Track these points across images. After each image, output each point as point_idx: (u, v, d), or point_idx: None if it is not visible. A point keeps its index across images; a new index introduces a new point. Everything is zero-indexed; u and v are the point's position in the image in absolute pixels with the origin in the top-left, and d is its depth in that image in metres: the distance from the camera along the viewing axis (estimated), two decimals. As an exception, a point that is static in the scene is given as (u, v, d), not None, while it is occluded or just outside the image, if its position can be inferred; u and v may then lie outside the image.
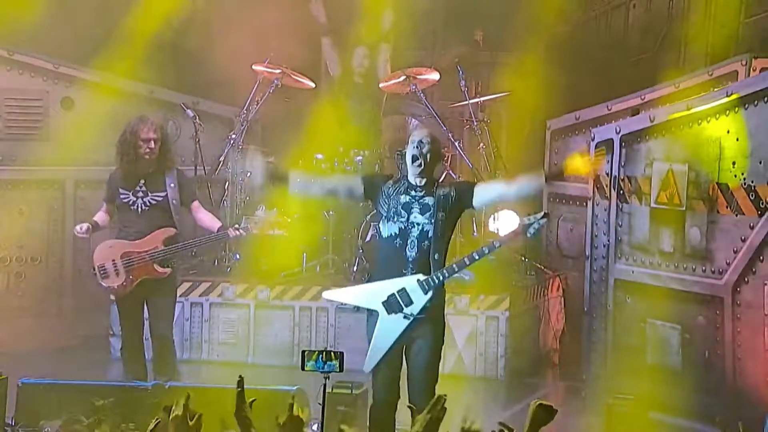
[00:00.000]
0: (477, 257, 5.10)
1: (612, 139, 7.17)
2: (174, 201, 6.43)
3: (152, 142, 6.39)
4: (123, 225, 6.51)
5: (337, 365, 4.03)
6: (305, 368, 4.02)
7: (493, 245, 5.15)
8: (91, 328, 8.45)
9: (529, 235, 5.12)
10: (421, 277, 5.11)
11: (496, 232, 8.21)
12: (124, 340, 6.58)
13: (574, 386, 7.46)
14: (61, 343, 8.35)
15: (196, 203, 6.57)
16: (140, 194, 6.43)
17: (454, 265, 5.11)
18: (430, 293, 5.10)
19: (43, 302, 8.62)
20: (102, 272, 6.42)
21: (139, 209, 6.42)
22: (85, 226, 6.50)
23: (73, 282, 8.72)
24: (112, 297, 6.75)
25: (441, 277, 5.08)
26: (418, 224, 5.16)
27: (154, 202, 6.41)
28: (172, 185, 6.42)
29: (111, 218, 6.59)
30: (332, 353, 3.98)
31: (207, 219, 6.56)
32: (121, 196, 6.46)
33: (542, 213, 5.14)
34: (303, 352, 3.96)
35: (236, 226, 6.49)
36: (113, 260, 6.38)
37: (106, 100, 8.70)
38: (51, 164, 8.66)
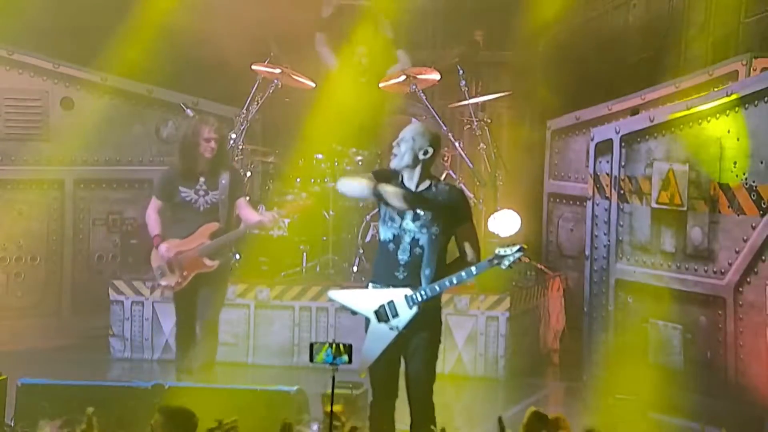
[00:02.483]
0: (456, 281, 5.21)
1: (612, 139, 7.15)
2: (223, 197, 6.66)
3: (213, 141, 6.65)
4: (176, 221, 6.68)
5: (347, 358, 3.96)
6: (314, 361, 3.94)
7: (471, 272, 5.21)
8: (91, 328, 8.41)
9: (503, 267, 5.19)
10: (409, 292, 5.20)
11: (495, 233, 8.18)
12: (178, 330, 6.86)
13: (574, 387, 7.44)
14: (61, 343, 8.31)
15: (242, 200, 6.82)
16: (201, 193, 6.65)
17: (436, 286, 5.19)
18: (415, 308, 5.18)
19: (42, 302, 8.58)
20: (159, 273, 6.67)
21: (201, 207, 6.65)
22: (164, 245, 6.65)
23: (73, 282, 8.69)
24: (167, 294, 6.98)
25: (425, 295, 5.17)
26: (409, 231, 5.23)
27: (214, 200, 6.65)
28: (224, 181, 6.65)
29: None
30: (342, 346, 3.92)
31: (249, 214, 6.80)
32: (182, 194, 6.65)
33: (518, 246, 5.19)
34: (311, 344, 3.89)
35: (274, 211, 6.77)
36: (168, 260, 6.60)
37: (105, 100, 8.68)
38: (51, 164, 8.63)
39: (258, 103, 8.58)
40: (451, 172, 8.45)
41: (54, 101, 8.61)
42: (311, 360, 3.95)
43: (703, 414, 6.31)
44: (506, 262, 5.18)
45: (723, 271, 6.42)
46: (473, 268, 5.21)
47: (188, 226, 6.63)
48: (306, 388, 6.08)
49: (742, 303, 6.31)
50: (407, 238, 5.22)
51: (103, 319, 8.20)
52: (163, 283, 6.69)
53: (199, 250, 6.60)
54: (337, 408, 4.51)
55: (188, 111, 8.35)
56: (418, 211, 5.23)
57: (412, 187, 5.28)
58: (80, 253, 8.72)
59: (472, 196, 8.24)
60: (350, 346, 3.86)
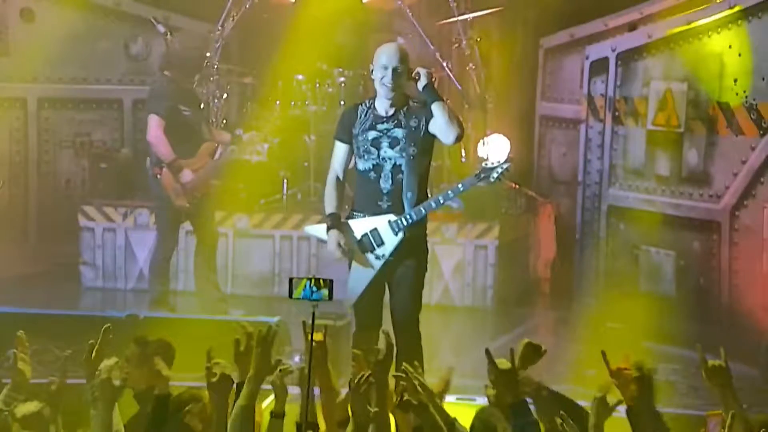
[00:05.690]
0: (442, 200, 5.30)
1: (607, 57, 7.16)
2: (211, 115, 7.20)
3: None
4: (179, 141, 6.86)
5: (327, 293, 4.07)
6: (293, 296, 4.06)
7: (458, 188, 5.27)
8: (60, 255, 8.43)
9: (491, 180, 5.27)
10: (392, 217, 5.28)
11: (485, 157, 8.22)
12: (168, 256, 7.16)
13: (564, 316, 7.60)
14: (28, 271, 8.30)
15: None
16: (197, 110, 6.95)
17: (422, 208, 5.28)
18: (400, 234, 5.26)
19: (7, 228, 8.51)
20: (175, 195, 6.90)
21: (199, 126, 6.95)
22: (187, 171, 6.87)
23: (39, 207, 8.70)
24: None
25: (410, 219, 5.24)
26: (390, 159, 5.29)
27: (205, 118, 7.08)
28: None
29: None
30: (321, 281, 4.02)
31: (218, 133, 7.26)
32: (184, 113, 6.87)
33: (505, 158, 5.21)
34: (291, 279, 4.00)
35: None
36: (187, 184, 6.87)
37: (69, 12, 8.54)
38: (11, 81, 8.55)
39: (234, 19, 8.50)
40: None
41: (13, 12, 8.48)
42: (290, 296, 4.08)
43: (696, 342, 6.46)
44: (494, 175, 5.27)
45: (719, 194, 6.53)
46: (459, 185, 5.30)
47: (190, 146, 6.84)
48: (287, 319, 6.19)
49: (737, 227, 6.44)
50: (388, 166, 5.27)
51: (72, 246, 8.23)
52: (179, 203, 6.89)
53: (209, 172, 6.82)
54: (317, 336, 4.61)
55: (159, 26, 8.26)
56: (395, 134, 5.25)
57: (391, 113, 5.29)
58: (46, 177, 8.71)
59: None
60: (331, 281, 3.97)
